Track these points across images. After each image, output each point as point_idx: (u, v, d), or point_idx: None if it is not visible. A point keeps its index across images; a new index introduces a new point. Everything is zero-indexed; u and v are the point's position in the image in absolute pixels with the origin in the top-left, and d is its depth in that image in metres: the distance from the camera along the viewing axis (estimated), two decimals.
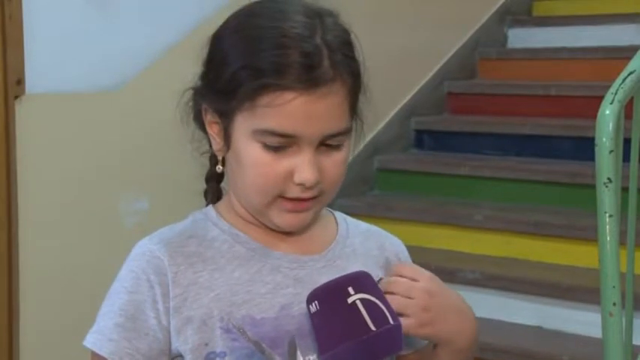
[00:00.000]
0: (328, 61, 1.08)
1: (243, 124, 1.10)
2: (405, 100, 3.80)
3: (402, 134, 3.77)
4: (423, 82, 3.87)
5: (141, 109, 2.78)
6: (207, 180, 1.21)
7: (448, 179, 3.50)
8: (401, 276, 1.14)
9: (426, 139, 3.82)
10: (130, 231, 2.72)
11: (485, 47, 4.11)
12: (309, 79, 1.06)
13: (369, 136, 3.61)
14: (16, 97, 2.58)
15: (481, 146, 3.65)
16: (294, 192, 1.11)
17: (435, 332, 1.14)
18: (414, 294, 1.12)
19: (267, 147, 1.09)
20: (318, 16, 1.11)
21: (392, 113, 3.74)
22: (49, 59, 2.66)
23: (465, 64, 4.05)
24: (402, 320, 1.11)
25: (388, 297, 1.11)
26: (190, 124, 1.18)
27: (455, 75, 3.98)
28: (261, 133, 1.08)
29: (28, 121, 2.60)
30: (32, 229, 2.62)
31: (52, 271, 2.65)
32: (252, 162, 1.10)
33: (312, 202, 1.13)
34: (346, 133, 1.12)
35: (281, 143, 1.08)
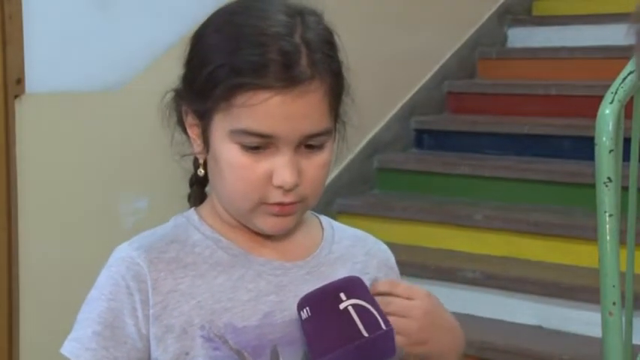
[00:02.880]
0: (306, 59, 1.05)
1: (221, 125, 1.08)
2: (405, 100, 3.80)
3: (402, 134, 3.77)
4: (423, 81, 3.87)
5: (141, 109, 2.77)
6: (191, 184, 1.19)
7: (448, 179, 3.50)
8: (393, 294, 1.13)
9: (426, 139, 3.82)
10: (130, 230, 2.71)
11: (485, 47, 4.11)
12: (286, 77, 1.04)
13: (368, 136, 3.61)
14: (16, 96, 2.58)
15: (481, 146, 3.65)
16: (276, 197, 1.08)
17: (427, 350, 1.14)
18: (410, 313, 1.11)
19: (245, 148, 1.06)
20: (300, 14, 1.09)
21: (392, 113, 3.74)
22: (48, 59, 2.66)
23: (465, 63, 4.05)
24: (397, 338, 1.10)
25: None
26: (170, 126, 1.16)
27: (455, 74, 3.98)
28: (237, 134, 1.06)
29: (28, 120, 2.60)
30: (32, 229, 2.62)
31: (52, 271, 2.65)
32: (230, 164, 1.08)
33: (295, 205, 1.10)
34: (326, 133, 1.09)
35: (258, 143, 1.06)
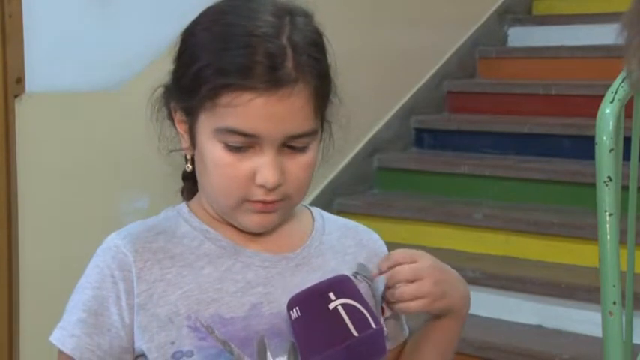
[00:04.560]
0: (292, 62, 1.06)
1: (206, 123, 1.09)
2: (404, 99, 3.80)
3: (402, 133, 3.77)
4: (423, 81, 3.87)
5: (141, 109, 2.77)
6: (184, 178, 1.20)
7: (448, 178, 3.50)
8: (398, 263, 1.15)
9: (426, 138, 3.82)
10: None
11: (485, 46, 4.11)
12: (271, 79, 1.05)
13: (368, 135, 3.61)
14: (16, 95, 2.58)
15: (481, 145, 3.65)
16: (258, 195, 1.09)
17: (449, 302, 1.16)
18: (421, 274, 1.14)
19: (229, 147, 1.07)
20: (289, 14, 1.09)
21: (392, 112, 3.74)
22: (48, 58, 2.66)
23: (465, 63, 4.05)
24: (418, 302, 1.12)
25: (399, 289, 1.12)
26: (159, 122, 1.18)
27: (455, 74, 3.98)
28: (222, 133, 1.07)
29: (28, 119, 2.60)
30: (32, 229, 2.62)
31: (52, 271, 2.64)
32: (214, 162, 1.09)
33: (277, 204, 1.11)
34: (310, 135, 1.10)
35: (242, 143, 1.07)
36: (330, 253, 1.18)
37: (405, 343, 1.24)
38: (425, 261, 1.15)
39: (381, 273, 1.15)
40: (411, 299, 1.13)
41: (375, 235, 1.26)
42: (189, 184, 1.20)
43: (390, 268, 1.15)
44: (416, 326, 1.24)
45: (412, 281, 1.13)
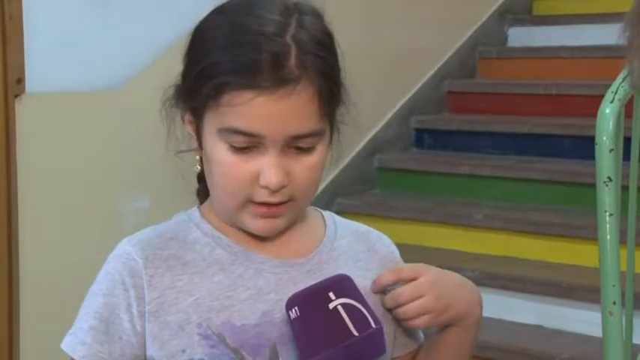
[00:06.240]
0: (295, 60, 1.04)
1: (210, 123, 1.08)
2: (405, 99, 3.80)
3: (402, 133, 3.77)
4: (423, 81, 3.87)
5: (141, 109, 2.77)
6: (199, 179, 1.19)
7: (448, 178, 3.50)
8: (401, 280, 1.15)
9: (426, 138, 3.82)
10: (130, 230, 2.71)
11: (486, 46, 4.11)
12: (272, 78, 1.03)
13: (369, 135, 3.61)
14: (16, 96, 2.58)
15: (481, 145, 3.65)
16: (262, 196, 1.07)
17: (453, 314, 1.15)
18: (422, 292, 1.13)
19: (233, 148, 1.06)
20: (297, 13, 1.08)
21: (392, 112, 3.74)
22: (49, 58, 2.66)
23: (465, 63, 4.05)
24: (422, 319, 1.13)
25: (403, 308, 1.13)
26: (168, 122, 1.16)
27: (455, 74, 3.98)
28: (225, 132, 1.06)
29: (28, 120, 2.60)
30: (32, 229, 2.62)
31: (52, 271, 2.64)
32: (219, 163, 1.08)
33: (283, 207, 1.09)
34: (315, 135, 1.07)
35: (245, 143, 1.06)
36: (342, 259, 1.17)
37: (418, 350, 1.23)
38: (426, 277, 1.15)
39: (383, 287, 1.15)
40: (415, 317, 1.13)
41: (387, 240, 1.24)
42: (204, 186, 1.18)
43: (393, 283, 1.15)
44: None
45: (417, 298, 1.13)
